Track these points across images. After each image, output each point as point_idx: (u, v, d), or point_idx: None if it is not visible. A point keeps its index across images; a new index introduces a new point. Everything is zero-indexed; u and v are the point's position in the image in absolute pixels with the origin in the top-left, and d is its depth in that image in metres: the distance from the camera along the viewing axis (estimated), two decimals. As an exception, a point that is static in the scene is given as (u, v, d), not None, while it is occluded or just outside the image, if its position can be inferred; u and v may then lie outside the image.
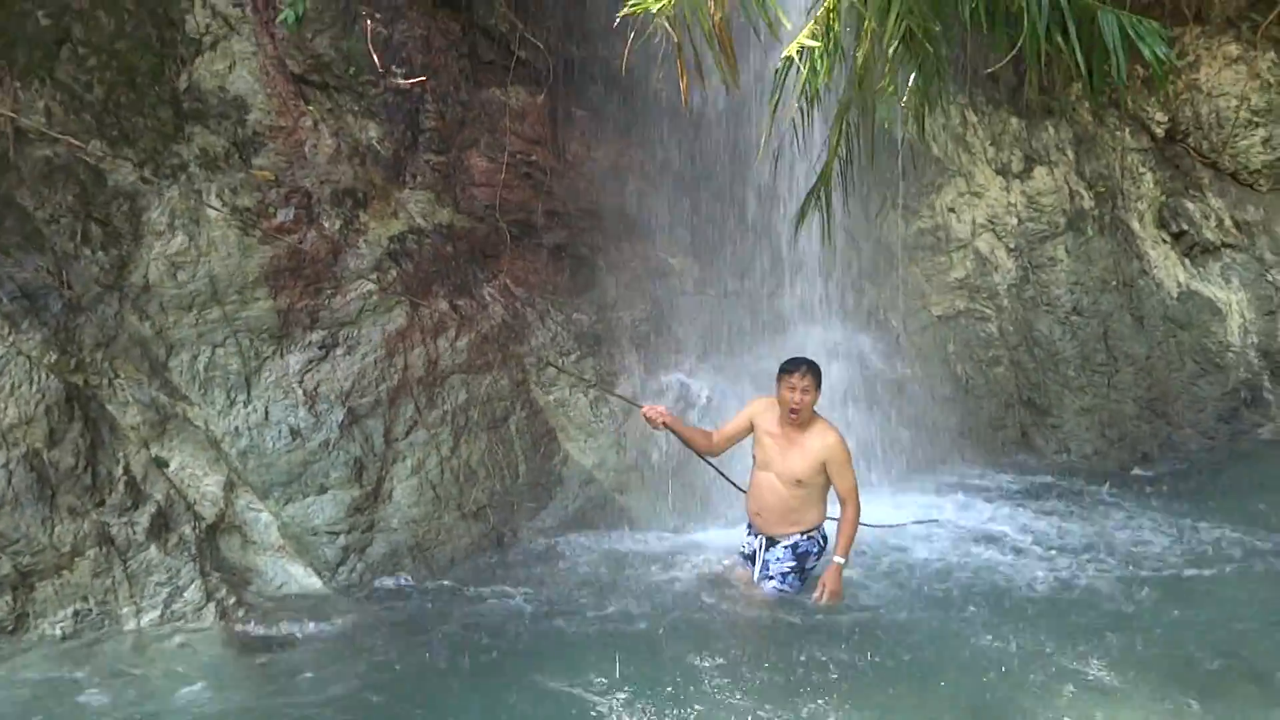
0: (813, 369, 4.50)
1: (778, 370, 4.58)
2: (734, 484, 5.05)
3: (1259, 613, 4.30)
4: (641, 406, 4.83)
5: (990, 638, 4.08)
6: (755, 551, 4.67)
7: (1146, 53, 3.32)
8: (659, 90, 6.07)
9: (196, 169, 5.00)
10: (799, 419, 4.47)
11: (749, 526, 4.77)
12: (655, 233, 6.34)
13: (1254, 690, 3.57)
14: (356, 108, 5.54)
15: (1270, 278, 7.83)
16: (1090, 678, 3.70)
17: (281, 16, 5.13)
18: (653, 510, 5.73)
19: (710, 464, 5.04)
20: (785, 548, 4.56)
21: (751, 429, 4.70)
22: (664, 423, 4.65)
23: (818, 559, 4.62)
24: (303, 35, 5.36)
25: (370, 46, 5.05)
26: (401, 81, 5.36)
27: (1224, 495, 6.12)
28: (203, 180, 5.00)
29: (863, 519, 4.59)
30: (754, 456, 4.69)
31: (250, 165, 5.17)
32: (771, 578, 4.56)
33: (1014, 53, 3.46)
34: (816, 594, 4.41)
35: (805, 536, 4.57)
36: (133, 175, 4.86)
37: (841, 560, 4.45)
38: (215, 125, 5.12)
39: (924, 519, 5.56)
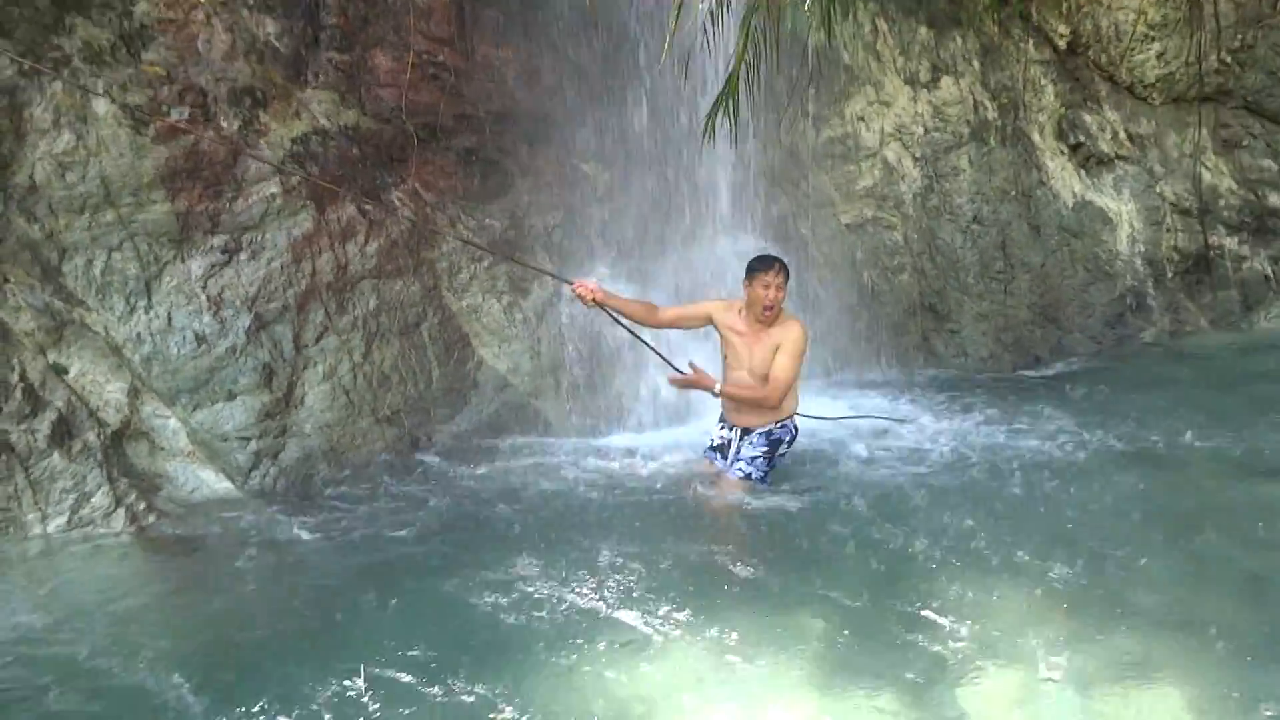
0: (785, 266, 4.49)
1: (747, 268, 4.54)
2: (669, 363, 5.10)
3: (1133, 499, 4.63)
4: (572, 282, 4.70)
5: (898, 520, 4.33)
6: (729, 441, 4.77)
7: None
8: (570, -11, 5.95)
9: (81, 63, 4.75)
10: (773, 315, 4.48)
11: (721, 419, 4.86)
12: (567, 138, 6.29)
13: (1119, 570, 3.89)
14: (252, 1, 5.30)
15: (1158, 189, 8.19)
16: (982, 554, 3.99)
17: (167, -100, 4.86)
18: (567, 415, 5.84)
19: (646, 343, 5.02)
20: (760, 433, 4.66)
21: (708, 323, 4.74)
22: (595, 299, 4.55)
23: (789, 446, 4.74)
24: (191, -79, 5.08)
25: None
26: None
27: (1108, 395, 6.49)
28: (88, 75, 4.75)
29: (805, 410, 4.76)
30: (724, 357, 4.72)
31: (139, 60, 4.93)
32: (740, 460, 4.66)
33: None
34: (672, 375, 4.64)
35: (779, 425, 4.67)
36: (10, 69, 4.60)
37: (715, 386, 4.51)
38: (98, 17, 4.85)
39: (868, 414, 5.81)
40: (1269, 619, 3.41)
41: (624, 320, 4.78)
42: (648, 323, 4.79)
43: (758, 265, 4.51)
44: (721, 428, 4.88)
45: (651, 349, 5.06)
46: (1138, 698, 3.01)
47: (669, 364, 5.17)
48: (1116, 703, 2.99)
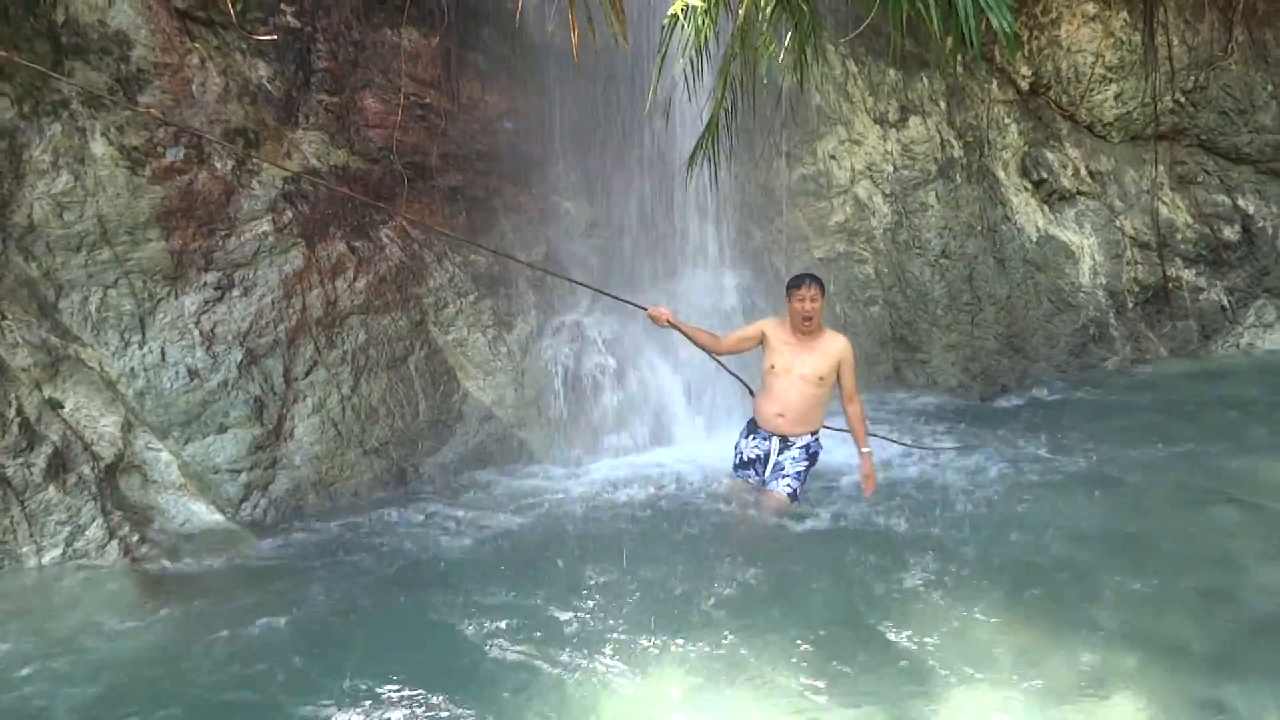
0: (817, 280, 4.90)
1: (787, 286, 4.95)
2: (743, 382, 5.40)
3: (1096, 522, 4.85)
4: (645, 309, 5.05)
5: (877, 544, 4.54)
6: (768, 453, 4.99)
7: (994, 23, 3.66)
8: (553, 37, 6.17)
9: (79, 106, 4.89)
10: (811, 326, 4.89)
11: (752, 432, 5.06)
12: (550, 177, 6.48)
13: (1084, 589, 4.08)
14: (245, 46, 5.47)
15: (1118, 224, 8.52)
16: (955, 576, 4.17)
17: (163, -51, 5.03)
18: (550, 444, 5.98)
19: (720, 363, 5.41)
20: (800, 448, 4.95)
21: (762, 340, 5.05)
22: (668, 320, 4.92)
23: (818, 459, 5.07)
24: (186, -31, 5.25)
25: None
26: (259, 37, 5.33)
27: (1073, 422, 6.73)
28: (86, 118, 4.90)
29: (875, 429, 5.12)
30: (771, 366, 5.00)
31: (136, 103, 5.08)
32: (786, 476, 4.90)
33: (876, 11, 3.73)
34: (862, 483, 4.89)
35: (814, 438, 5.00)
36: (10, 111, 4.73)
37: (868, 450, 4.91)
38: (97, 61, 5.00)
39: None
40: (1219, 635, 3.61)
41: (691, 339, 5.06)
42: (714, 348, 5.09)
43: (794, 283, 4.91)
44: (753, 439, 5.05)
45: (721, 364, 5.45)
46: (1098, 710, 3.19)
47: (736, 377, 5.40)
48: (1079, 715, 3.16)
